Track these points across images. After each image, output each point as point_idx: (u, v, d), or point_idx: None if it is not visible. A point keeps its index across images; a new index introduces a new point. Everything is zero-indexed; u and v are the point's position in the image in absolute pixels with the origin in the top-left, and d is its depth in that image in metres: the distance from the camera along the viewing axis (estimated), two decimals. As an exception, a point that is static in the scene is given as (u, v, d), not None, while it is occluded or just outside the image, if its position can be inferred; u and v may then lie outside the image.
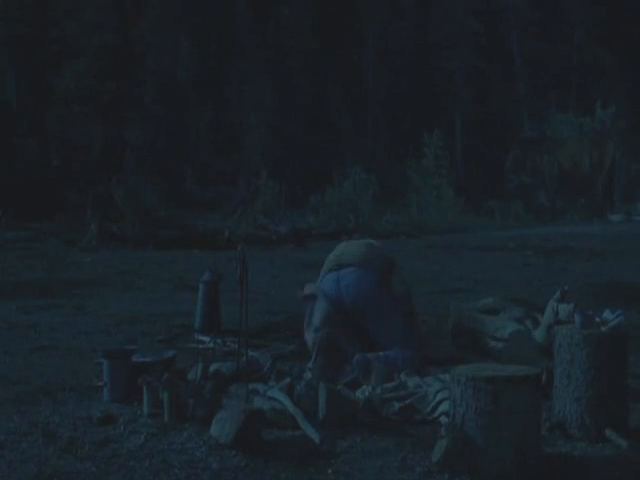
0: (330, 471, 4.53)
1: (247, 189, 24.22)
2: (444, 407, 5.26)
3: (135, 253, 15.20)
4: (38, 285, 11.44)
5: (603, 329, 5.24)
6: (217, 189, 25.77)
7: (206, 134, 28.86)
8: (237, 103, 29.85)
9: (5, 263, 13.97)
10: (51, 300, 10.08)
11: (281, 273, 12.32)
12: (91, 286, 11.33)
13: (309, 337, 6.60)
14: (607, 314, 5.37)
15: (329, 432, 5.02)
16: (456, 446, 4.48)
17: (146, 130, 28.11)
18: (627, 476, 4.51)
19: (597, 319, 5.33)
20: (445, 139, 24.90)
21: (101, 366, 5.95)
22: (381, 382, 5.78)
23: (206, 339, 7.36)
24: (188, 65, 29.64)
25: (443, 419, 5.16)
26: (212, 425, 4.99)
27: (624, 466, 4.61)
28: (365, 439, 5.01)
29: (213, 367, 5.95)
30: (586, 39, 32.98)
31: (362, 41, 32.38)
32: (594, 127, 25.67)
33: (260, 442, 4.89)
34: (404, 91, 32.11)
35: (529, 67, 33.01)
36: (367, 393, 5.59)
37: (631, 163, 25.65)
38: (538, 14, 33.06)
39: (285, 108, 29.75)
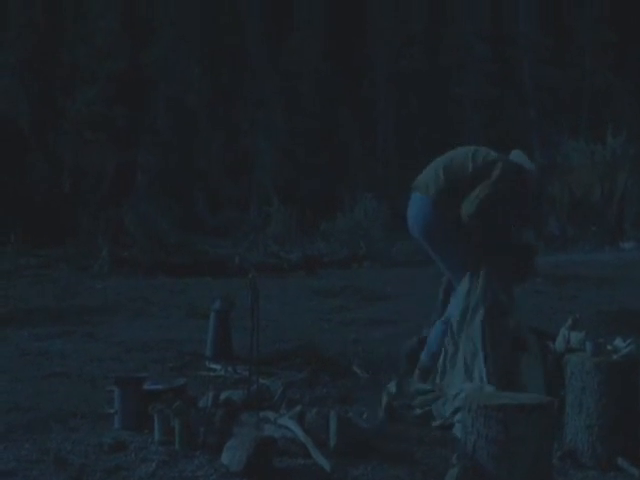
0: (341, 500, 4.53)
1: (258, 215, 24.23)
2: (459, 416, 5.28)
3: (146, 280, 15.22)
4: (49, 312, 11.45)
5: (614, 357, 5.25)
6: (228, 215, 25.79)
7: (217, 160, 28.94)
8: (248, 129, 29.94)
9: (16, 289, 13.99)
10: (62, 327, 10.09)
11: (292, 301, 12.32)
12: (102, 313, 11.34)
13: None
14: (618, 342, 5.38)
15: (340, 460, 5.02)
16: (467, 475, 4.48)
17: (157, 155, 28.19)
18: (639, 506, 4.50)
19: (608, 347, 5.34)
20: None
21: (112, 393, 5.96)
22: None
23: (217, 367, 7.38)
24: (199, 90, 29.75)
25: (457, 428, 5.16)
26: (223, 453, 5.00)
27: (636, 496, 4.59)
28: (376, 467, 5.00)
29: (224, 395, 5.96)
30: (597, 65, 33.04)
31: (373, 66, 32.47)
32: (605, 154, 25.65)
33: (271, 470, 4.89)
34: (415, 116, 32.17)
35: (540, 93, 33.04)
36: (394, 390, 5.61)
37: (642, 191, 25.60)
38: (549, 39, 33.12)
39: (296, 134, 29.83)
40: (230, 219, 25.16)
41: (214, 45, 30.42)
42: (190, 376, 6.98)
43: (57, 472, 4.97)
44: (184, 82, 29.53)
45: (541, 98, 32.89)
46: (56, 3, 29.18)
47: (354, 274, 15.51)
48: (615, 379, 5.08)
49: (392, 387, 6.16)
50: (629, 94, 31.83)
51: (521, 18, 33.28)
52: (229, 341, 7.94)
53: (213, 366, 7.42)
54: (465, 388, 5.84)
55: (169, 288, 13.98)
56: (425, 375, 6.26)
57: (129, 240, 18.35)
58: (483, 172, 6.40)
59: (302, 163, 29.08)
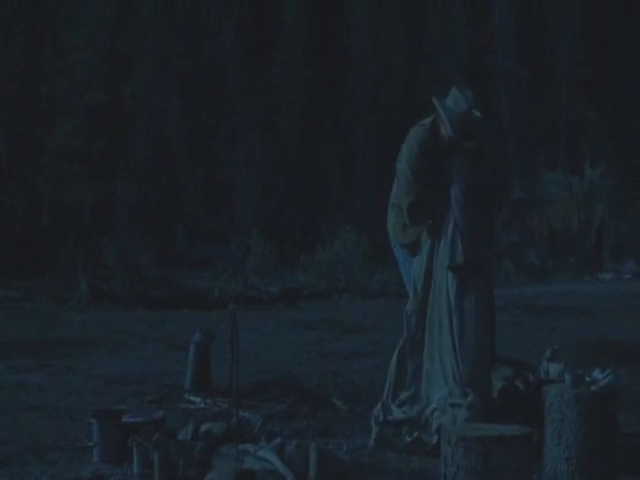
0: (321, 532, 4.52)
1: (238, 248, 24.24)
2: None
3: (125, 312, 15.17)
4: (27, 344, 11.40)
5: (593, 388, 5.27)
6: (208, 248, 25.77)
7: (197, 193, 28.95)
8: (228, 162, 29.98)
9: (-6, 322, 13.93)
10: (40, 360, 10.04)
11: (272, 333, 12.31)
12: (81, 346, 11.30)
13: None
14: (597, 373, 5.40)
15: (320, 493, 5.01)
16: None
17: (137, 189, 28.18)
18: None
19: (587, 378, 5.36)
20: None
21: (91, 426, 5.93)
22: None
23: (196, 399, 7.36)
24: (179, 124, 29.81)
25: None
26: (202, 486, 4.98)
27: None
28: (356, 500, 5.00)
29: (204, 427, 5.94)
30: (573, 98, 33.31)
31: (352, 99, 32.65)
32: (583, 186, 25.84)
33: (251, 503, 4.87)
34: (394, 149, 32.32)
35: (517, 126, 33.28)
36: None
37: (620, 222, 25.79)
38: (526, 73, 33.40)
39: (275, 167, 29.89)
40: (209, 252, 25.15)
41: (193, 78, 30.51)
42: (169, 409, 6.96)
43: (35, 506, 4.95)
44: (163, 115, 29.57)
45: (519, 131, 33.11)
46: (35, 36, 29.23)
47: (334, 306, 15.52)
48: (594, 410, 5.09)
49: (379, 414, 6.17)
50: (606, 127, 32.11)
51: (499, 52, 33.56)
52: (208, 373, 7.92)
53: (192, 398, 7.40)
54: (440, 398, 5.91)
55: (148, 321, 13.94)
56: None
57: (108, 273, 18.31)
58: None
59: (281, 196, 29.11)
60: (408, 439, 5.82)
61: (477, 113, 6.64)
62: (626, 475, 5.21)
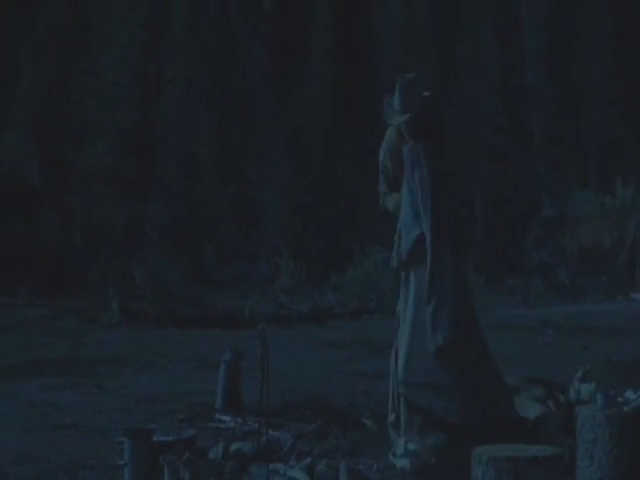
0: None
1: (267, 267, 24.28)
2: None
3: (155, 331, 15.22)
4: (59, 363, 11.45)
5: (626, 409, 5.23)
6: (237, 267, 25.83)
7: (226, 212, 29.04)
8: (257, 181, 30.07)
9: (26, 340, 14.01)
10: (72, 378, 10.09)
11: (302, 352, 12.30)
12: (112, 364, 11.34)
13: None
14: (629, 394, 5.37)
15: (350, 513, 5.00)
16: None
17: (167, 208, 28.31)
18: None
19: (619, 399, 5.32)
20: (465, 217, 24.92)
21: (122, 445, 5.94)
22: None
23: (227, 418, 7.36)
24: (208, 143, 29.94)
25: None
26: (233, 505, 4.98)
27: None
28: (386, 520, 4.98)
29: (234, 446, 5.95)
30: (604, 116, 33.17)
31: (380, 118, 32.68)
32: (615, 205, 25.69)
33: (281, 522, 4.87)
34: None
35: (548, 145, 33.16)
36: None
37: (652, 241, 25.62)
38: (556, 92, 33.30)
39: (304, 186, 29.94)
40: (239, 271, 25.20)
41: (223, 98, 30.65)
42: (200, 428, 6.97)
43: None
44: (193, 135, 29.72)
45: (549, 150, 32.99)
46: (66, 57, 29.48)
47: (364, 326, 15.49)
48: (626, 431, 5.05)
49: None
50: (638, 145, 31.93)
51: (528, 71, 33.48)
52: (239, 392, 7.93)
53: (223, 418, 7.41)
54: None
55: (178, 340, 13.98)
56: None
57: (139, 292, 18.38)
58: None
59: (311, 215, 29.15)
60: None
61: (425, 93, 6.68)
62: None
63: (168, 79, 30.07)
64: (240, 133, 30.59)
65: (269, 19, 32.14)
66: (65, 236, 26.80)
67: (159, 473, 5.53)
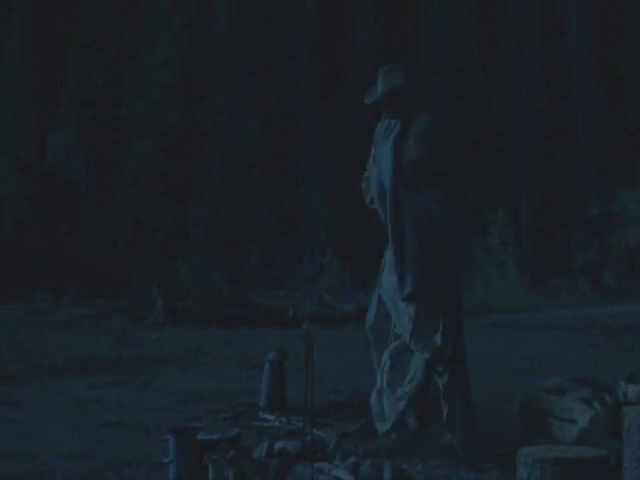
0: None
1: (311, 267, 24.32)
2: None
3: (200, 331, 15.30)
4: (105, 361, 11.55)
5: (673, 410, 5.17)
6: (281, 267, 25.89)
7: (271, 213, 29.12)
8: (301, 182, 30.12)
9: (72, 339, 14.14)
10: (117, 376, 10.17)
11: (346, 352, 12.29)
12: (157, 363, 11.42)
13: None
14: (677, 395, 5.31)
15: (395, 512, 4.99)
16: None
17: (211, 209, 28.43)
18: None
19: (667, 400, 5.27)
20: (510, 217, 24.83)
21: (167, 443, 5.97)
22: None
23: (271, 417, 7.38)
24: (253, 144, 30.02)
25: None
26: (277, 504, 5.00)
27: None
28: (431, 520, 4.97)
29: (278, 445, 5.96)
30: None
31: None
32: (662, 204, 25.45)
33: (325, 522, 4.87)
34: (467, 169, 32.16)
35: (594, 144, 32.90)
36: None
37: (701, 242, 25.32)
38: (601, 90, 33.03)
39: (348, 186, 29.93)
40: (283, 271, 25.25)
41: (268, 100, 30.73)
42: (244, 426, 6.99)
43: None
44: (238, 136, 29.83)
45: (595, 150, 32.73)
46: (112, 58, 29.71)
47: (407, 326, 15.44)
48: (674, 432, 5.00)
49: None
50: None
51: (574, 70, 33.24)
52: (283, 392, 7.95)
53: (267, 416, 7.43)
54: None
55: (223, 339, 14.04)
56: None
57: (183, 291, 18.50)
58: None
59: (355, 215, 29.13)
60: None
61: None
62: None
63: (212, 80, 30.20)
64: (285, 134, 30.66)
65: (313, 19, 32.20)
66: (111, 235, 27.02)
67: (204, 471, 5.56)
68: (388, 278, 6.55)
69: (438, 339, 6.28)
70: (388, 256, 6.61)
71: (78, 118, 29.11)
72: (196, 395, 8.85)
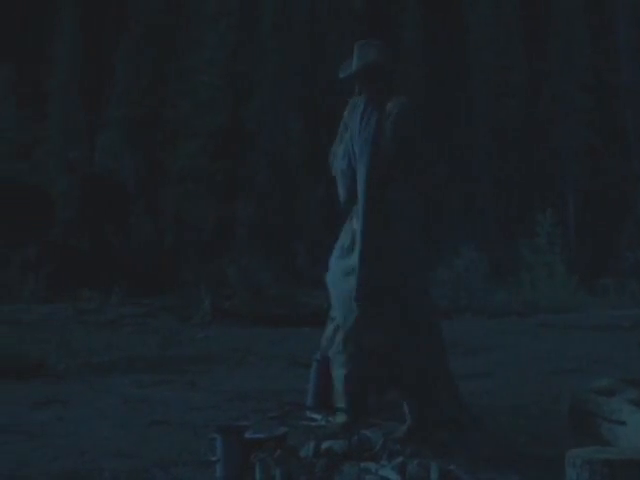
0: None
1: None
2: None
3: (247, 330, 15.33)
4: (151, 360, 11.61)
5: None
6: (328, 267, 25.90)
7: (317, 211, 29.13)
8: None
9: (120, 338, 14.23)
10: (164, 375, 10.22)
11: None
12: (203, 362, 11.46)
13: None
14: None
15: (442, 513, 4.97)
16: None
17: (257, 208, 28.51)
18: None
19: None
20: (558, 216, 24.65)
21: (214, 442, 5.99)
22: None
23: (318, 417, 7.37)
24: (299, 144, 30.06)
25: None
26: (324, 503, 4.99)
27: None
28: (479, 520, 4.94)
29: (325, 445, 5.95)
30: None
31: (471, 118, 32.46)
32: None
33: (372, 521, 4.86)
34: (514, 168, 32.00)
35: (643, 142, 32.59)
36: None
37: None
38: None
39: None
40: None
41: (313, 99, 30.75)
42: (291, 425, 6.98)
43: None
44: (284, 136, 29.89)
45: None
46: (159, 59, 29.89)
47: (455, 325, 15.39)
48: None
49: None
50: None
51: (622, 68, 32.95)
52: (330, 391, 7.94)
53: (314, 416, 7.42)
54: None
55: (269, 338, 14.06)
56: None
57: (230, 291, 18.56)
58: None
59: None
60: None
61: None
62: None
63: (258, 80, 30.29)
64: (330, 132, 30.68)
65: (359, 18, 32.18)
66: (158, 235, 27.19)
67: (251, 470, 5.57)
68: (340, 262, 6.51)
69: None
70: (345, 240, 6.53)
71: (126, 118, 29.32)
72: (243, 394, 8.86)
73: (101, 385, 9.66)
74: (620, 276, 24.34)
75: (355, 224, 6.48)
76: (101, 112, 29.79)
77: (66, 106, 29.43)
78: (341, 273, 6.46)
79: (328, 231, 27.73)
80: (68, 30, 30.06)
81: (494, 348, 12.43)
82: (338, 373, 6.67)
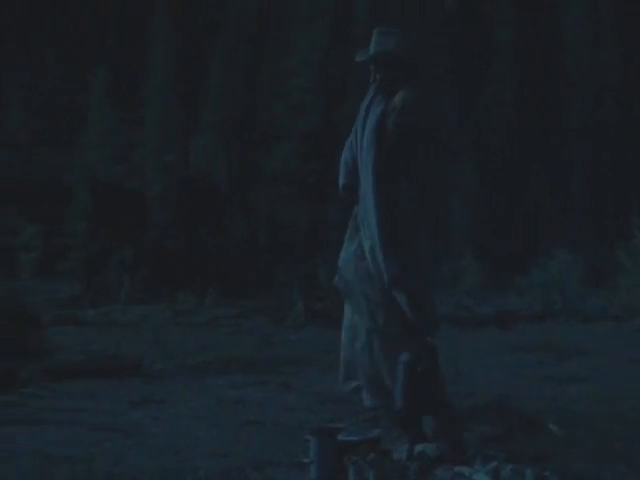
0: None
1: (450, 269, 24.14)
2: None
3: (340, 332, 15.32)
4: (245, 361, 11.72)
5: None
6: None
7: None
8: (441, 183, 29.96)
9: (214, 339, 14.39)
10: (258, 376, 10.30)
11: (485, 355, 12.18)
12: (297, 364, 11.52)
13: None
14: None
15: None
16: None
17: (350, 211, 28.54)
18: None
19: None
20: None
21: (308, 443, 6.02)
22: None
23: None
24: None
25: None
26: (417, 507, 4.99)
27: None
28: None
29: (418, 448, 5.94)
30: None
31: (566, 119, 32.03)
32: None
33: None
34: (609, 169, 31.49)
35: None
36: None
37: None
38: None
39: (488, 188, 29.65)
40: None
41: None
42: (384, 428, 6.98)
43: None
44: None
45: None
46: (253, 61, 30.12)
47: (549, 329, 15.23)
48: None
49: None
50: None
51: None
52: (417, 392, 7.93)
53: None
54: None
55: (362, 340, 14.03)
56: None
57: (323, 293, 18.61)
58: None
59: (494, 217, 28.84)
60: None
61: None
62: None
63: (351, 82, 30.31)
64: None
65: (452, 18, 32.01)
66: (251, 237, 27.39)
67: (344, 472, 5.58)
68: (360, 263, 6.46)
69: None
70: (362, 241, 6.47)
71: (220, 121, 29.60)
72: (335, 396, 8.88)
73: (196, 385, 9.78)
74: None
75: (359, 216, 6.54)
76: (196, 115, 30.13)
77: (162, 109, 29.81)
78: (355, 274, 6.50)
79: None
80: (163, 33, 30.45)
81: (589, 353, 12.27)
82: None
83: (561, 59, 31.69)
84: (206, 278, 20.73)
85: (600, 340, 13.60)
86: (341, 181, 6.67)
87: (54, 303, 19.45)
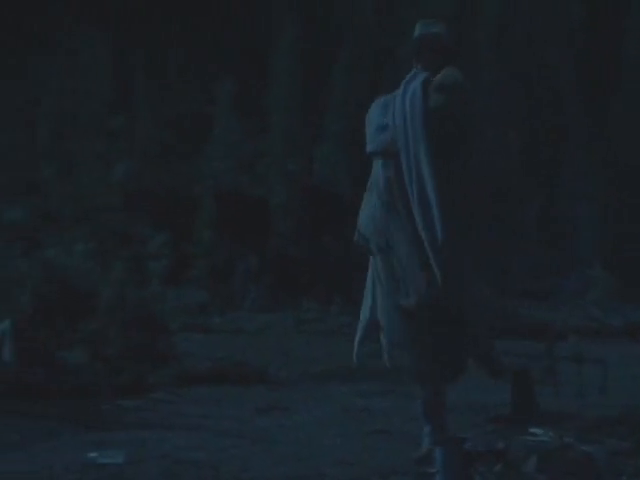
0: None
1: (579, 280, 23.76)
2: None
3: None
4: (370, 369, 11.68)
5: None
6: (549, 280, 25.43)
7: (536, 225, 28.65)
8: (566, 195, 29.49)
9: (339, 347, 14.39)
10: (383, 385, 10.27)
11: (616, 366, 11.91)
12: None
13: None
14: None
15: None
16: None
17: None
18: None
19: None
20: None
21: (433, 453, 5.98)
22: None
23: (539, 431, 7.24)
24: (517, 159, 29.64)
25: None
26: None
27: None
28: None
29: (544, 461, 5.84)
30: None
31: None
32: None
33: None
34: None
35: None
36: None
37: None
38: None
39: (618, 199, 29.05)
40: (550, 284, 24.78)
41: (533, 117, 30.22)
42: (510, 439, 6.89)
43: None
44: (500, 153, 29.51)
45: None
46: (374, 72, 30.11)
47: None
48: None
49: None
50: None
51: None
52: (531, 403, 7.88)
53: (535, 430, 7.30)
54: None
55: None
56: None
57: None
58: None
59: (624, 228, 28.24)
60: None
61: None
62: None
63: (473, 91, 30.10)
64: (551, 146, 30.06)
65: (578, 29, 31.51)
66: (346, 250, 27.36)
67: (470, 483, 5.54)
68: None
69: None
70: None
71: (343, 130, 29.69)
72: (461, 406, 8.82)
73: (321, 393, 9.83)
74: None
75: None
76: (319, 124, 30.30)
77: (286, 119, 30.06)
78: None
79: (547, 244, 27.25)
80: (288, 45, 30.72)
81: None
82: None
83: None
84: (331, 286, 20.81)
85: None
86: (372, 148, 6.57)
87: (182, 310, 19.77)
